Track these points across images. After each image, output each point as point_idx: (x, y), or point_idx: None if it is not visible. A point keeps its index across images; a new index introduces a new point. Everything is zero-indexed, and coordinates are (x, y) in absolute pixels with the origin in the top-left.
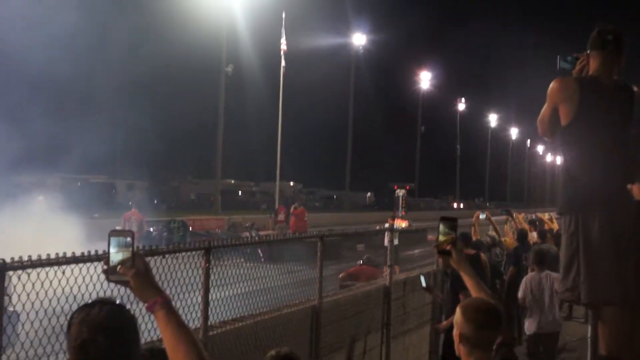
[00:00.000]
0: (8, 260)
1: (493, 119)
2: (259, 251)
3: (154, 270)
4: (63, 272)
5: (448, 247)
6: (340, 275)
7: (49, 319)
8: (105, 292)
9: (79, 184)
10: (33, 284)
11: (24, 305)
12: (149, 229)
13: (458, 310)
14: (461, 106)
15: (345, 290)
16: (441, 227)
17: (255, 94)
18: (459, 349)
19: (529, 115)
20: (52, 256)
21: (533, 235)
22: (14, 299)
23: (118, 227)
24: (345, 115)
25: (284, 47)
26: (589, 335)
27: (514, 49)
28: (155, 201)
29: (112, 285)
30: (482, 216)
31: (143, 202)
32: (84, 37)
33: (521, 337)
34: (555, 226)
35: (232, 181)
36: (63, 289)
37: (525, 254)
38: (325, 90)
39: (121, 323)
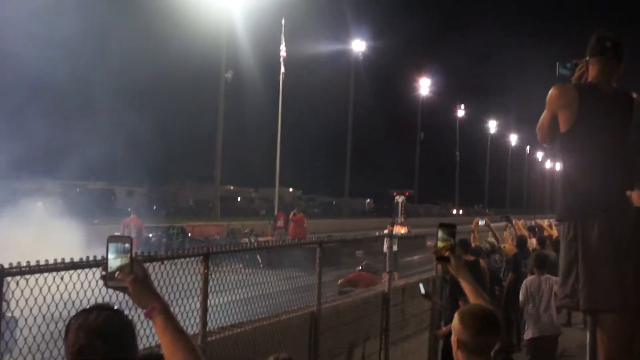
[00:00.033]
0: (6, 265)
1: (492, 126)
2: (258, 257)
3: (153, 276)
4: (61, 278)
5: (447, 254)
6: (339, 282)
7: (47, 325)
8: (103, 298)
9: (77, 189)
10: (31, 290)
11: (22, 311)
12: (148, 235)
13: (456, 316)
14: (460, 112)
15: (344, 296)
16: (440, 233)
17: (255, 100)
18: (457, 355)
19: (528, 121)
20: (51, 262)
21: (532, 242)
22: (12, 304)
23: (117, 233)
24: (344, 121)
25: (283, 53)
26: (587, 341)
27: (513, 56)
28: (155, 207)
29: (110, 291)
30: (481, 222)
31: (142, 208)
32: (84, 43)
33: (520, 343)
34: (554, 233)
35: (231, 187)
36: (61, 295)
37: (524, 260)
38: (325, 97)
39: (119, 329)
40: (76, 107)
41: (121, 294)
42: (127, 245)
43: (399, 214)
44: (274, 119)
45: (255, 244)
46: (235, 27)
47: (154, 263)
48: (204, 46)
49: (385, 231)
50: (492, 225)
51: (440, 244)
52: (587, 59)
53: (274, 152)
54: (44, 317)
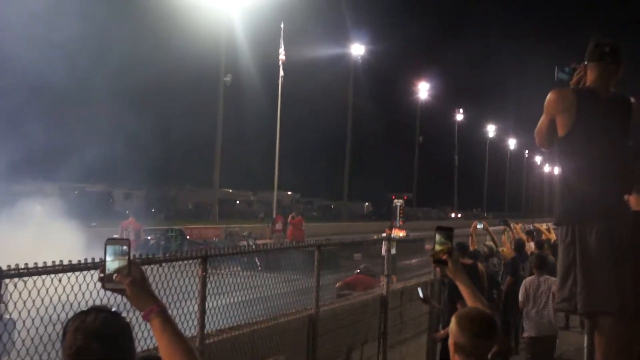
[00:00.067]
0: (5, 268)
1: (491, 130)
2: (256, 260)
3: (151, 279)
4: (60, 280)
5: (444, 257)
6: (338, 285)
7: (46, 327)
8: (101, 300)
9: (76, 192)
10: (30, 292)
11: (20, 312)
12: (146, 237)
13: (453, 319)
14: (459, 116)
15: (342, 299)
16: (437, 236)
17: (254, 103)
18: (455, 358)
19: (527, 125)
20: (49, 264)
21: (530, 246)
22: (11, 306)
23: (116, 236)
24: (343, 125)
25: (282, 57)
26: (585, 345)
27: (512, 60)
28: (153, 210)
29: (108, 293)
30: (479, 226)
31: (140, 210)
32: (83, 45)
33: (518, 346)
34: (552, 236)
35: (230, 190)
36: (60, 297)
37: (522, 264)
38: (324, 100)
39: (116, 330)
40: (75, 110)
41: (119, 296)
42: (125, 247)
43: (398, 218)
44: (273, 122)
45: (254, 247)
46: (235, 30)
47: (152, 265)
48: (203, 49)
49: (384, 234)
50: (491, 228)
51: (437, 247)
52: (586, 63)
53: (272, 155)
54: (42, 319)
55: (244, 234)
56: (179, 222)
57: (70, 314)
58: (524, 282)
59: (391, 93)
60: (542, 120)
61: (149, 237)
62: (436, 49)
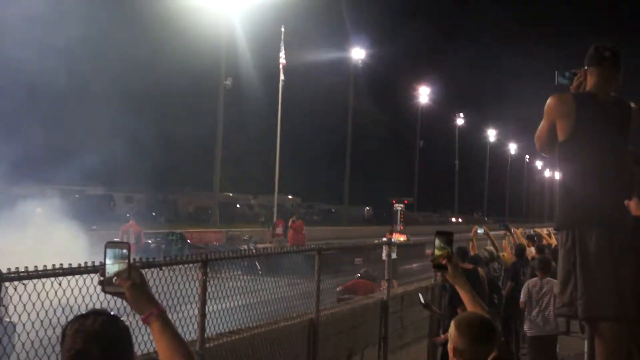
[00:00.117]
0: (5, 271)
1: (492, 134)
2: (257, 264)
3: (152, 282)
4: (60, 284)
5: (444, 261)
6: (338, 289)
7: (45, 330)
8: (101, 303)
9: (76, 195)
10: (29, 295)
11: (19, 316)
12: (147, 240)
13: (452, 324)
14: (460, 121)
15: (342, 303)
16: (437, 241)
17: (254, 107)
18: None
19: (527, 130)
20: (49, 267)
21: (531, 250)
22: (11, 310)
23: (116, 239)
24: (344, 129)
25: (282, 60)
26: (585, 350)
27: (512, 65)
28: (154, 213)
29: (108, 296)
30: (480, 231)
31: (141, 214)
32: (83, 49)
33: (519, 352)
34: (553, 241)
35: (231, 194)
36: (59, 300)
37: (523, 269)
38: (324, 104)
39: (115, 334)
40: (76, 113)
41: (119, 300)
42: (125, 251)
43: (398, 222)
44: (274, 126)
45: (254, 251)
46: (235, 34)
47: (153, 269)
48: (203, 53)
49: (384, 239)
50: (491, 233)
51: (437, 252)
52: (586, 68)
53: (273, 159)
54: (41, 322)
55: (245, 237)
56: (179, 226)
57: (70, 317)
58: (526, 283)
59: (392, 97)
60: (542, 125)
61: (150, 241)
62: (437, 53)
